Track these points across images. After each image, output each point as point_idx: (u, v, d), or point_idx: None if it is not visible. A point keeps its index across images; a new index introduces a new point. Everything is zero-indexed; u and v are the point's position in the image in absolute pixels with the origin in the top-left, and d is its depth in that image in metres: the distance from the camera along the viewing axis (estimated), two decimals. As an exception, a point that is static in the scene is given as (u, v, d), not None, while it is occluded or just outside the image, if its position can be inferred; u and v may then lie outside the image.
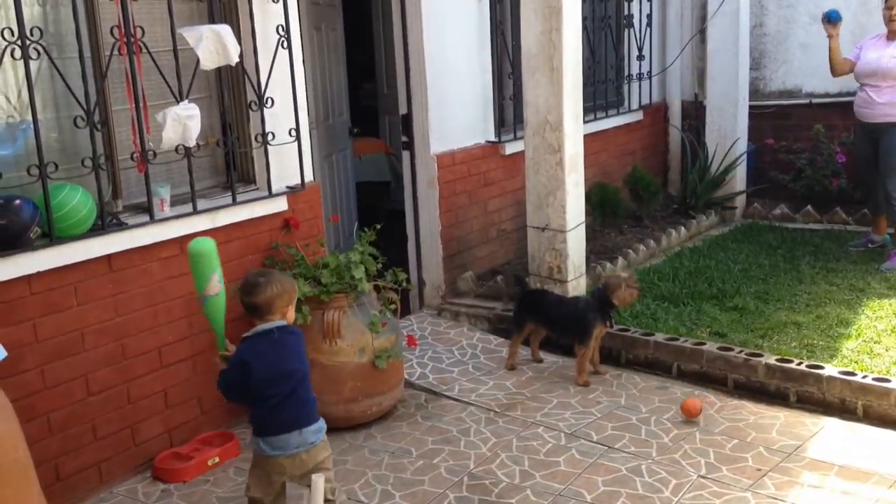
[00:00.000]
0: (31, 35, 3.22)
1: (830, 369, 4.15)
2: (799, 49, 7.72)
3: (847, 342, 4.56)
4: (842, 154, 7.25)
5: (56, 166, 3.33)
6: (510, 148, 5.94)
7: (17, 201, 3.23)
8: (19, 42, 3.18)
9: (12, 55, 3.18)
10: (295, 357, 2.96)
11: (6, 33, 3.16)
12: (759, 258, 6.14)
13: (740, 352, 4.39)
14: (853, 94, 6.26)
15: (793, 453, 3.69)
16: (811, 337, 4.65)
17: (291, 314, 3.01)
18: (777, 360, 4.28)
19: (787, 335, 4.70)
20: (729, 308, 5.15)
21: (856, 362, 4.28)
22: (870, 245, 6.23)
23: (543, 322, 4.73)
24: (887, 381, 3.99)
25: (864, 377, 4.04)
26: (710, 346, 4.49)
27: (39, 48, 3.25)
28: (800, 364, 4.22)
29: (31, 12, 3.41)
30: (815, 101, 7.64)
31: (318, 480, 2.75)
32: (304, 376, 2.97)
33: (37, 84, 3.34)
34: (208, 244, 2.95)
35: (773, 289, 5.47)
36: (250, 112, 4.20)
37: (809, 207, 7.13)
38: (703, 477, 3.53)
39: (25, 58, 3.20)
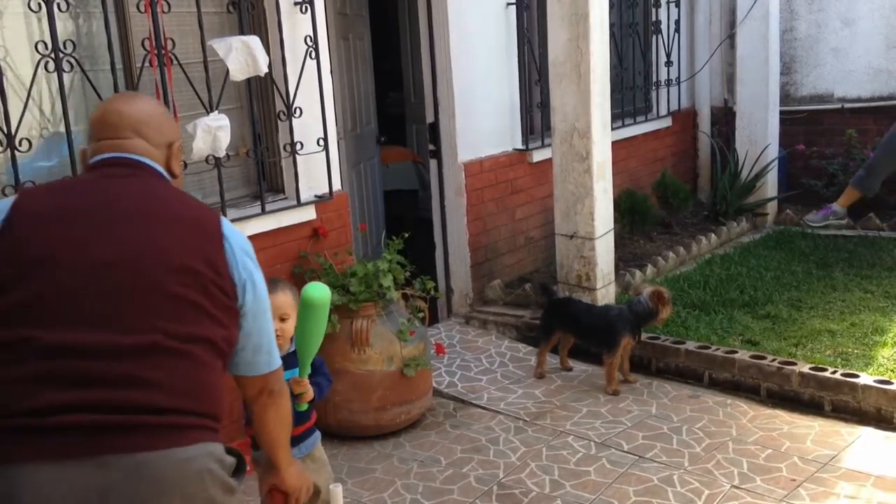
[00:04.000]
0: (65, 48, 3.27)
1: (866, 378, 4.08)
2: (830, 54, 7.63)
3: (883, 350, 4.48)
4: (875, 159, 7.14)
5: (89, 177, 3.37)
6: (538, 155, 5.92)
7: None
8: (53, 55, 3.23)
9: (46, 68, 3.24)
10: None
11: (40, 46, 3.22)
12: (792, 265, 6.06)
13: (773, 360, 4.34)
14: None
15: (828, 463, 3.63)
16: (846, 345, 4.58)
17: None
18: (811, 368, 4.21)
19: (821, 343, 4.63)
20: (761, 316, 5.08)
21: (892, 371, 4.20)
22: None
23: (572, 330, 4.70)
24: (925, 389, 3.92)
25: (901, 386, 3.97)
26: (743, 355, 4.43)
27: (72, 61, 3.30)
28: (834, 372, 4.15)
29: (64, 25, 3.46)
30: (847, 105, 7.54)
31: (336, 490, 2.74)
32: None
33: (70, 96, 3.39)
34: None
35: (806, 296, 5.39)
36: (279, 122, 4.23)
37: (843, 213, 7.03)
38: (737, 487, 3.49)
39: (59, 70, 3.25)
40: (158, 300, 1.68)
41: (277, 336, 2.64)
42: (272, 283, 2.81)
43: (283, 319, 2.73)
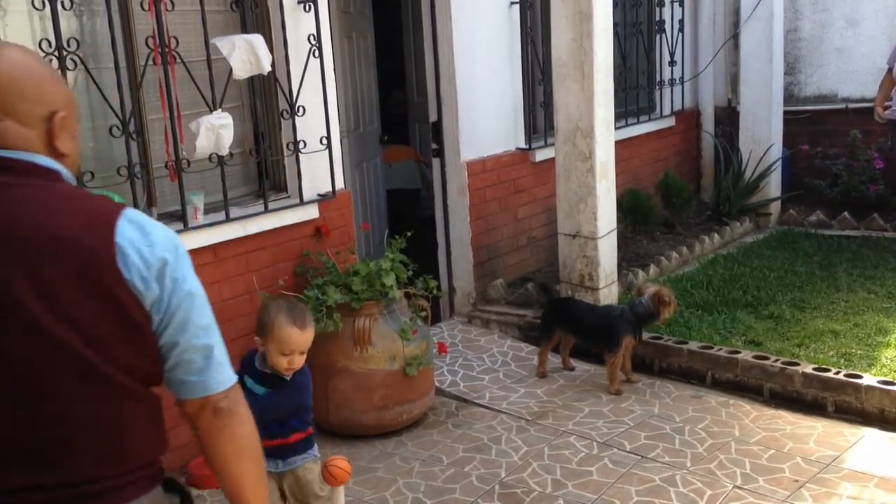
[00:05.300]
0: (68, 46, 3.27)
1: (869, 378, 4.07)
2: (834, 54, 7.62)
3: (886, 351, 4.47)
4: (879, 160, 7.13)
5: (92, 175, 3.37)
6: (541, 155, 5.92)
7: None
8: (56, 53, 3.23)
9: (49, 66, 3.23)
10: None
11: (44, 44, 3.22)
12: (795, 265, 6.05)
13: (776, 360, 4.33)
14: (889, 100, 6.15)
15: (831, 464, 3.62)
16: (849, 345, 4.57)
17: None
18: (814, 369, 4.21)
19: (824, 344, 4.62)
20: (764, 316, 5.07)
21: (895, 371, 4.19)
22: None
23: (572, 330, 4.70)
24: (928, 390, 3.91)
25: (905, 387, 3.96)
26: (746, 355, 4.42)
27: (76, 59, 3.30)
28: (837, 373, 4.14)
29: (68, 23, 3.46)
30: (851, 106, 7.53)
31: (338, 490, 2.73)
32: None
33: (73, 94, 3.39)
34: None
35: (809, 296, 5.38)
36: (282, 120, 4.23)
37: (846, 214, 7.01)
38: (739, 488, 3.48)
39: (62, 68, 3.25)
40: (41, 360, 1.34)
41: (288, 368, 2.69)
42: (299, 316, 2.71)
43: (301, 353, 2.75)
